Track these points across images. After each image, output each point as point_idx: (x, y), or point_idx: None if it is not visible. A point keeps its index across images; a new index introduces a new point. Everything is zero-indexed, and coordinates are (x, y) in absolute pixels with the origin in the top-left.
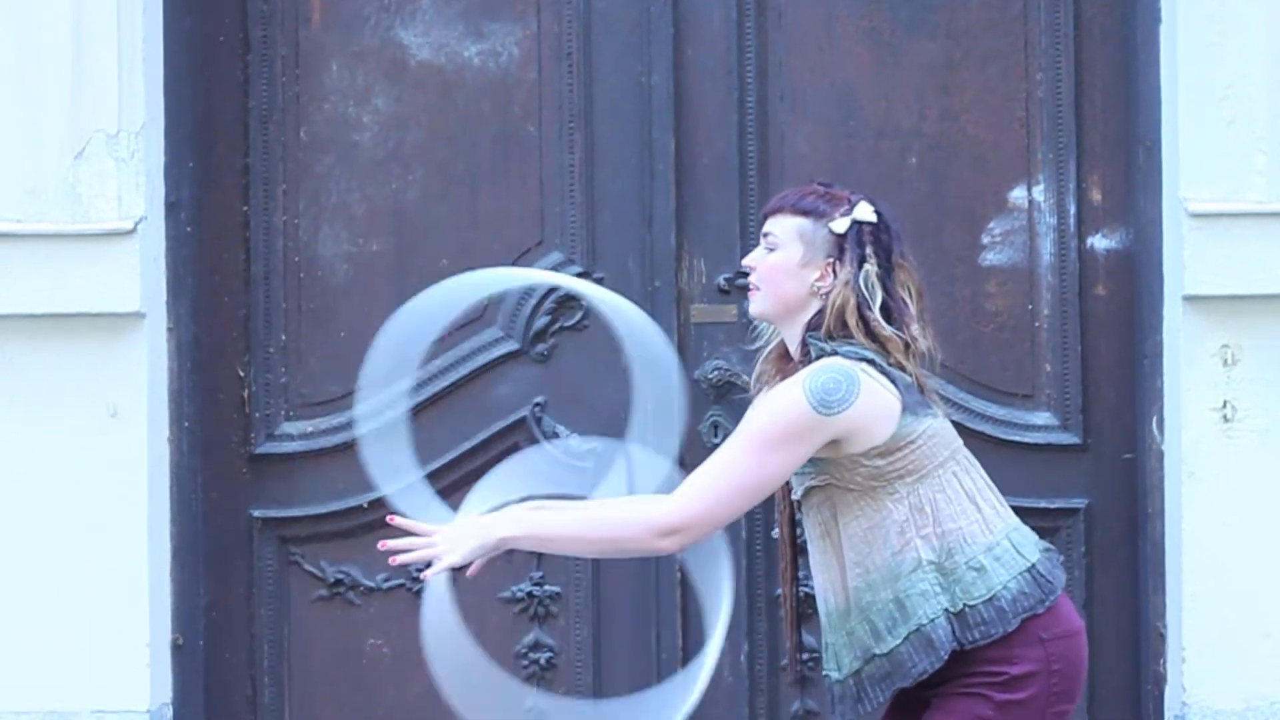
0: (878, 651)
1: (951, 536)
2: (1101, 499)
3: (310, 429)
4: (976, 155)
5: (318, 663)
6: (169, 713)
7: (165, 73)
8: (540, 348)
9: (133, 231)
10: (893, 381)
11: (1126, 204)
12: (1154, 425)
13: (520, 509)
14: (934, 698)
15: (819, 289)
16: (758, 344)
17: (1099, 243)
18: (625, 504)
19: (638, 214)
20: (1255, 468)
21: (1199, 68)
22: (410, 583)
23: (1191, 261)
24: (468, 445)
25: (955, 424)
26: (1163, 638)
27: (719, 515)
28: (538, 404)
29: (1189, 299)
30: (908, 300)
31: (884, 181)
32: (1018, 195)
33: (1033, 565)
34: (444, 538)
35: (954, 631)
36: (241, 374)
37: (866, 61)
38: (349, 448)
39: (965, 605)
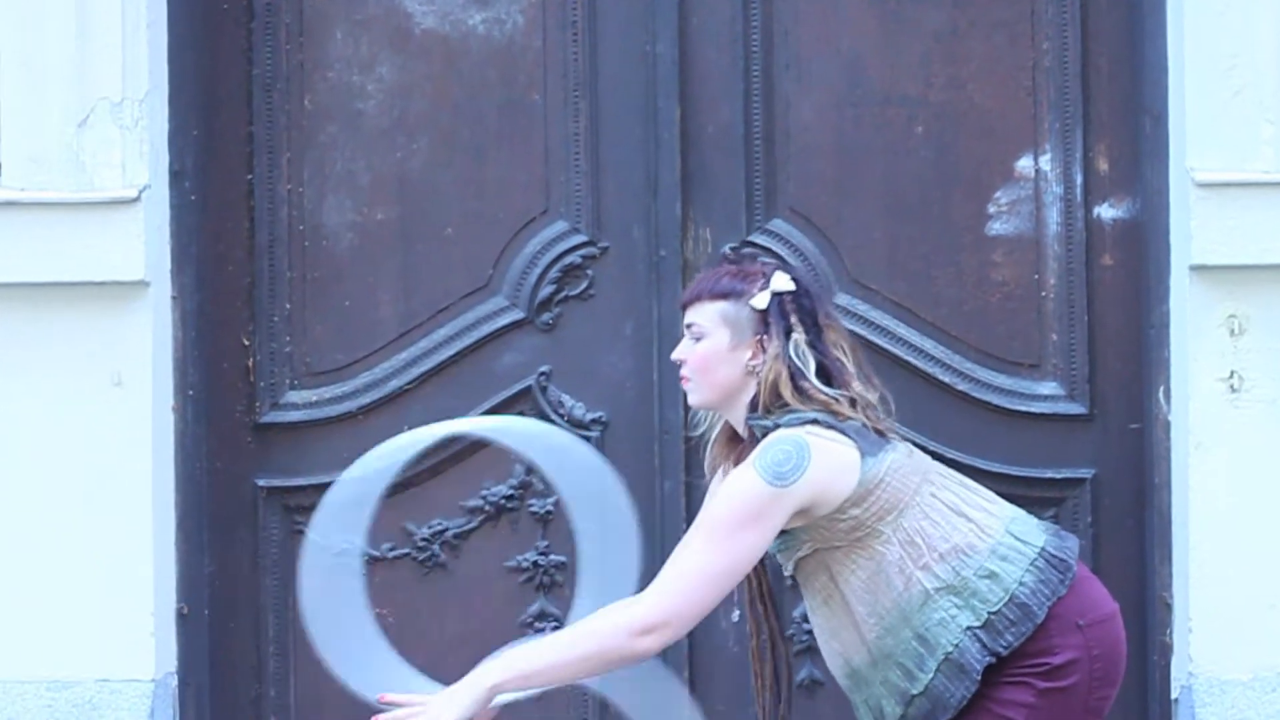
0: (914, 692)
1: (952, 557)
2: (1108, 469)
3: (315, 398)
4: (983, 124)
5: None
6: (174, 682)
7: (169, 40)
8: (545, 317)
9: (137, 200)
10: (843, 432)
11: (1133, 173)
12: (1160, 395)
13: (501, 657)
14: (980, 689)
15: (753, 368)
16: (699, 430)
17: (1106, 212)
18: (598, 617)
19: (643, 183)
20: (1262, 437)
21: (1206, 37)
22: (416, 552)
23: (1198, 231)
24: (473, 414)
25: (960, 394)
26: (1169, 608)
27: (693, 607)
28: (543, 373)
29: (1196, 269)
30: (843, 359)
31: (890, 150)
32: (1024, 165)
33: (1041, 549)
34: (436, 702)
35: (984, 645)
36: (246, 343)
37: (872, 29)
38: (354, 417)
39: (989, 614)
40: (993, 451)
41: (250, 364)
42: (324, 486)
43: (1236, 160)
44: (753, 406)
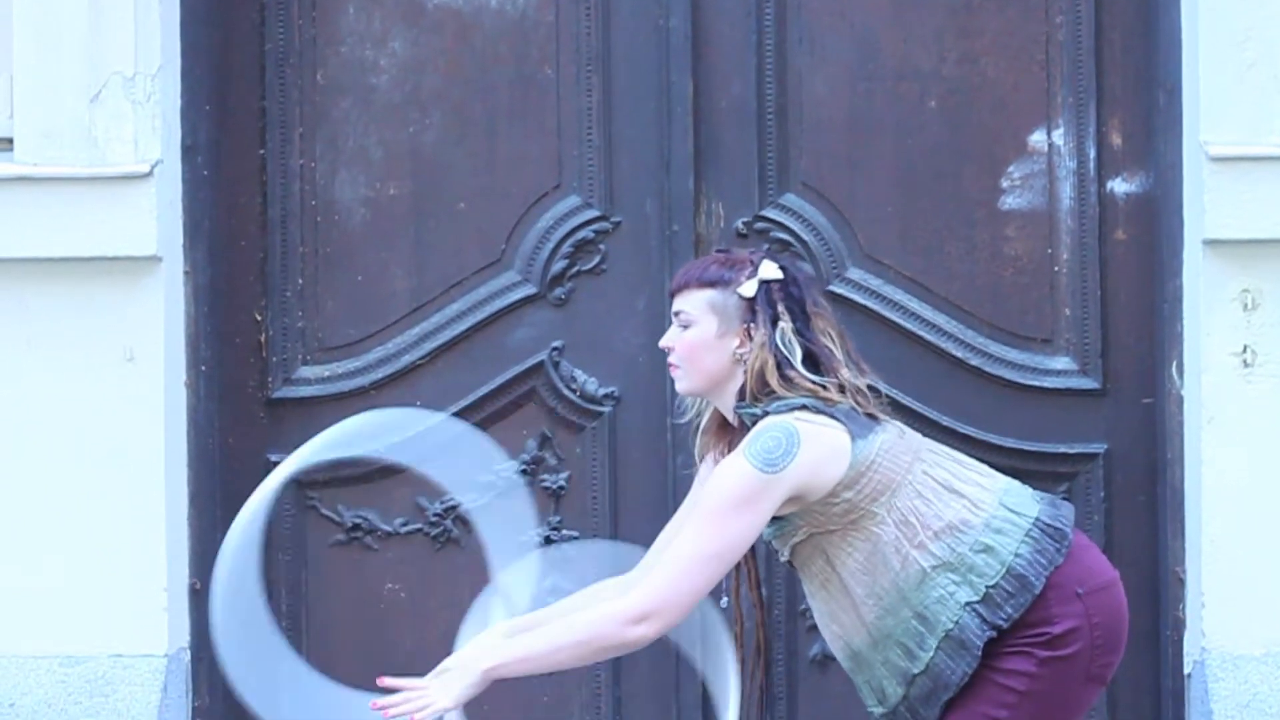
0: (916, 671)
1: (946, 534)
2: (1121, 444)
3: (327, 373)
4: (996, 98)
5: (335, 607)
6: (186, 657)
7: (182, 15)
8: (558, 291)
9: (149, 175)
10: (832, 416)
11: (1147, 148)
12: (1173, 370)
13: (495, 639)
14: (982, 659)
15: (741, 356)
16: (686, 418)
17: (1119, 187)
18: (593, 607)
19: (655, 158)
20: (1275, 412)
21: (1219, 10)
22: (428, 527)
23: (1212, 205)
24: (486, 389)
25: (974, 369)
26: (1182, 583)
27: (684, 595)
28: (555, 348)
29: (1209, 243)
30: (831, 347)
31: (903, 125)
32: (1037, 139)
33: (1036, 519)
34: (434, 686)
35: (984, 620)
36: (259, 318)
37: (885, 4)
38: (366, 392)
39: (987, 588)
40: (1005, 426)
41: (263, 339)
42: (336, 463)
43: (1250, 134)
44: (741, 394)
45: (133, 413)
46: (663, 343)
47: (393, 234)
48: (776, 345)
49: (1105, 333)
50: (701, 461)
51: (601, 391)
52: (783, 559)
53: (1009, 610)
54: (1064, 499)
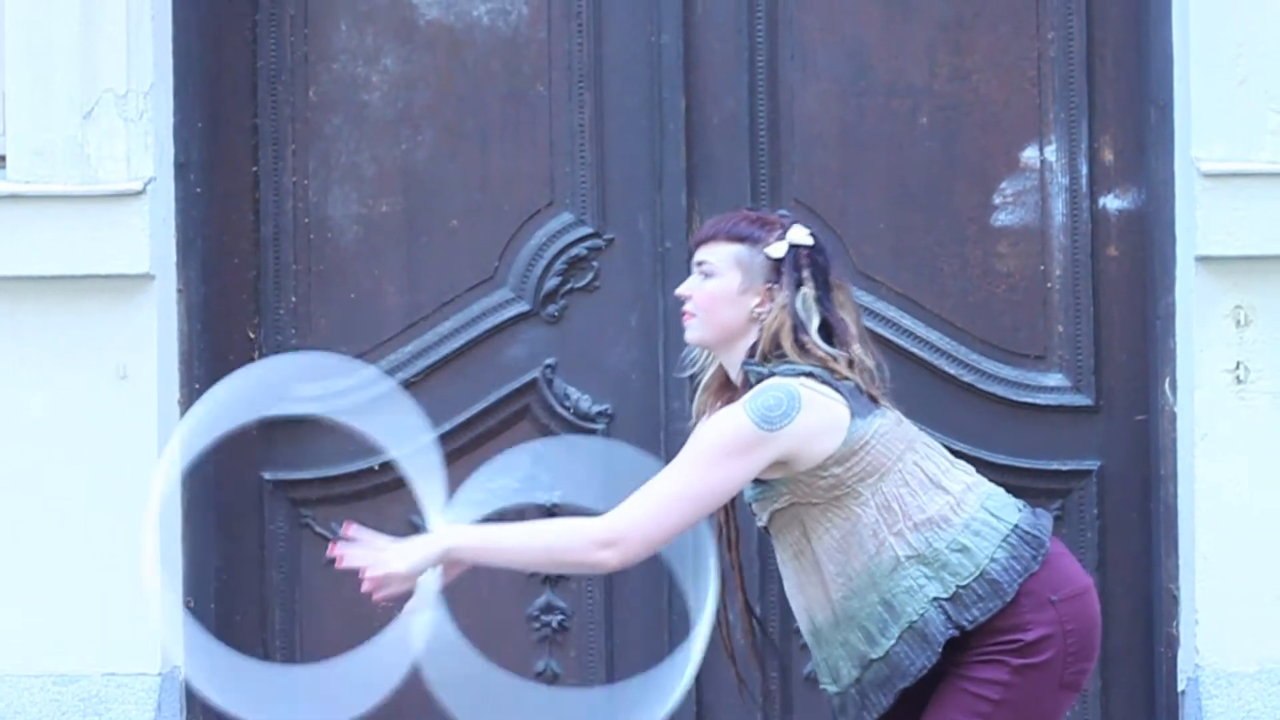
0: (874, 656)
1: (926, 527)
2: (1114, 461)
3: (320, 391)
4: (988, 115)
5: (329, 625)
6: (180, 675)
7: (174, 32)
8: (551, 309)
9: (142, 192)
10: (837, 389)
11: (1139, 164)
12: (1166, 386)
13: (465, 526)
14: (951, 667)
15: (758, 315)
16: (690, 371)
17: (1111, 203)
18: (570, 520)
19: (648, 174)
20: (1268, 429)
21: (1211, 27)
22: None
23: (1204, 222)
24: (479, 407)
25: (966, 385)
26: (1175, 600)
27: (656, 529)
28: (549, 365)
29: (1201, 259)
30: (847, 320)
31: (895, 141)
32: (1029, 155)
33: (1015, 526)
34: (393, 549)
35: (949, 618)
36: (252, 335)
37: (877, 19)
38: (360, 410)
39: (958, 587)
40: (999, 443)
41: (255, 357)
42: (330, 480)
43: (1242, 150)
44: (751, 353)
45: (126, 430)
46: (681, 290)
47: (385, 251)
48: (796, 310)
49: (1098, 349)
50: (699, 419)
51: (595, 409)
52: (760, 524)
53: (975, 613)
54: (1056, 516)
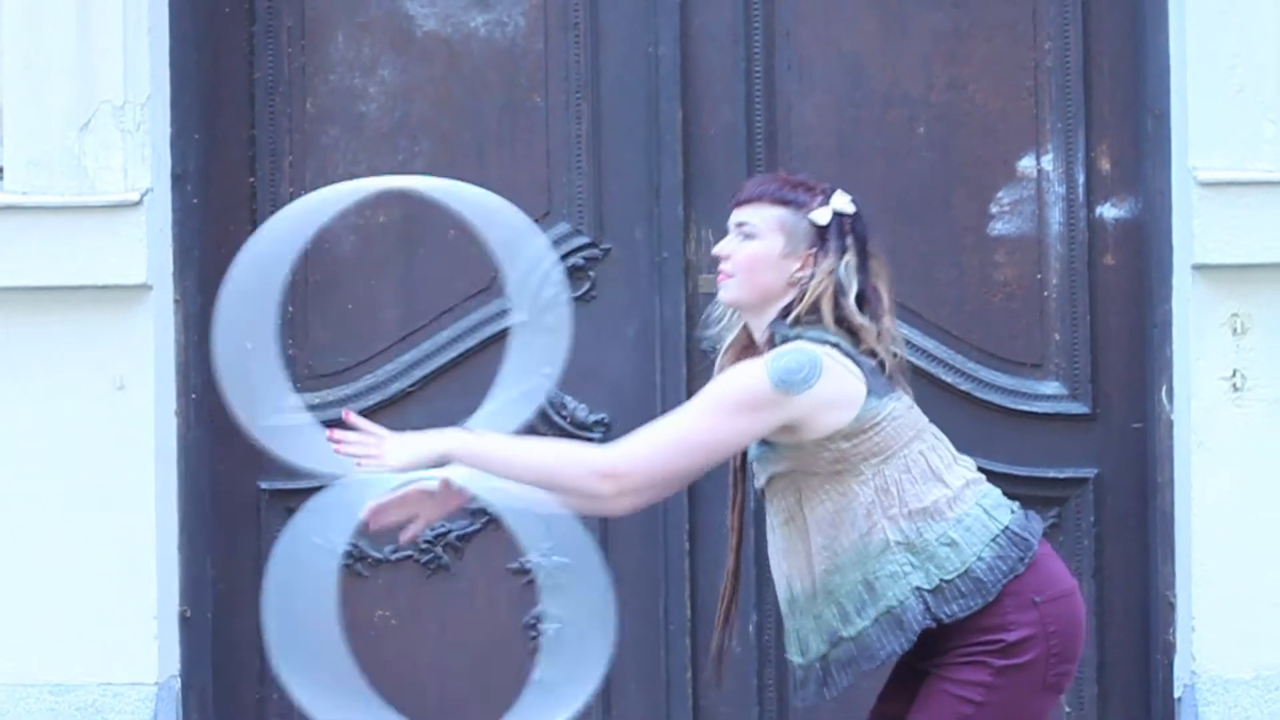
0: (845, 634)
1: (919, 517)
2: (1111, 469)
3: (317, 401)
4: (985, 124)
5: None
6: (177, 685)
7: (171, 44)
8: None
9: (139, 203)
10: (858, 365)
11: (1135, 173)
12: (1163, 395)
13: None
14: (934, 668)
15: (797, 279)
16: (713, 330)
17: (1108, 212)
18: (576, 444)
19: (645, 185)
20: (1265, 437)
21: (1208, 36)
22: (419, 555)
23: (1201, 230)
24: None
25: (963, 394)
26: (1172, 607)
27: (661, 469)
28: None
29: (1198, 268)
30: (882, 291)
31: (892, 151)
32: (1026, 164)
33: (1006, 528)
34: (390, 441)
35: (928, 608)
36: (248, 346)
37: (874, 30)
38: None
39: (941, 580)
40: (995, 452)
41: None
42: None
43: (1239, 159)
44: (783, 314)
45: (123, 441)
46: (719, 250)
47: (382, 261)
48: (839, 276)
49: (1095, 357)
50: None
51: (592, 418)
52: (758, 485)
53: (955, 608)
54: (1053, 523)
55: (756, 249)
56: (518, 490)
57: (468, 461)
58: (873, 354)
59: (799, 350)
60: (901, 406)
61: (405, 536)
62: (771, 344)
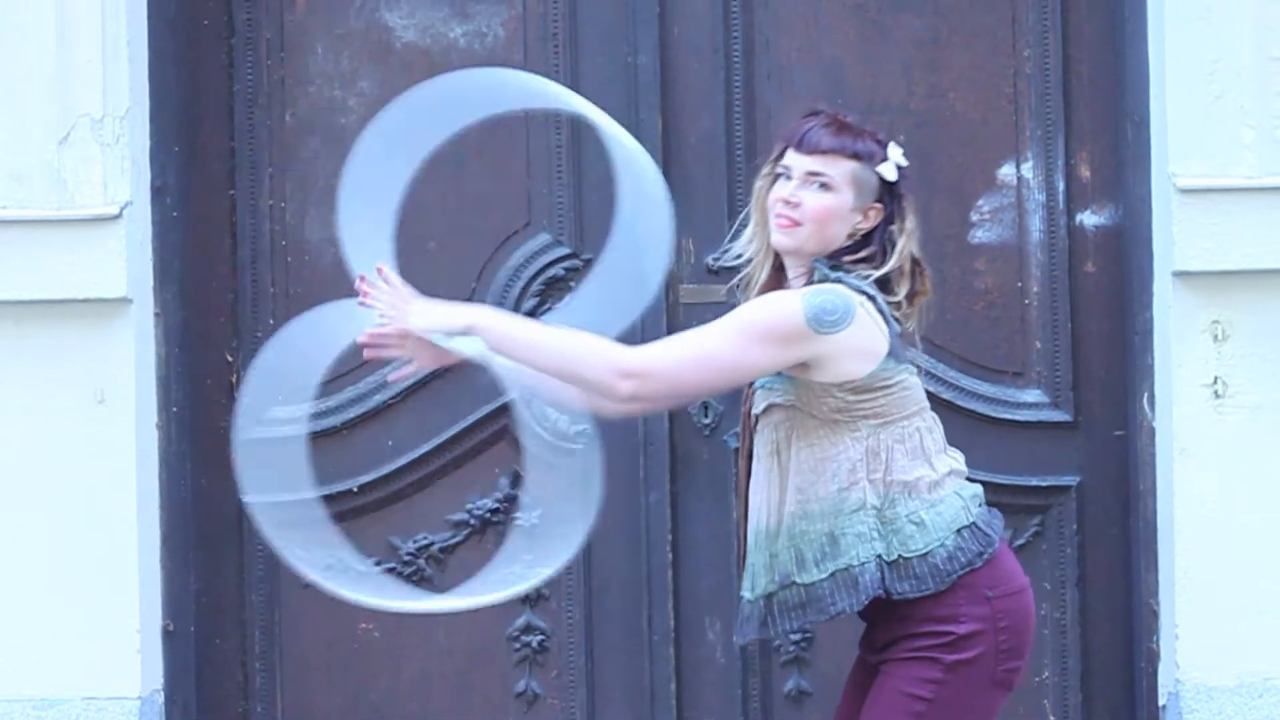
0: (797, 580)
1: (898, 487)
2: (1093, 476)
3: (300, 414)
4: (965, 132)
5: (309, 648)
6: (160, 699)
7: (150, 57)
8: None
9: (119, 217)
10: (886, 323)
11: (1115, 180)
12: (1145, 402)
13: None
14: (883, 664)
15: (858, 230)
16: (731, 263)
17: (1088, 219)
18: (601, 340)
19: None
20: (1246, 443)
21: (1187, 43)
22: (401, 566)
23: (1181, 237)
24: (458, 428)
25: (945, 402)
26: (1155, 615)
27: (681, 378)
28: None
29: (1179, 275)
30: (916, 251)
31: None
32: (1006, 172)
33: (972, 523)
34: (416, 303)
35: (883, 579)
36: (229, 359)
37: (853, 39)
38: (338, 432)
39: (900, 556)
40: (977, 460)
41: (234, 380)
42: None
43: (1218, 165)
44: (832, 256)
45: (104, 455)
46: (788, 196)
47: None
48: (904, 230)
49: (1076, 365)
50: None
51: (573, 429)
52: (755, 410)
53: (907, 587)
54: (1036, 531)
55: (831, 202)
56: (530, 376)
57: (491, 338)
58: (897, 320)
59: (836, 292)
60: (913, 379)
61: (394, 376)
62: (809, 281)
